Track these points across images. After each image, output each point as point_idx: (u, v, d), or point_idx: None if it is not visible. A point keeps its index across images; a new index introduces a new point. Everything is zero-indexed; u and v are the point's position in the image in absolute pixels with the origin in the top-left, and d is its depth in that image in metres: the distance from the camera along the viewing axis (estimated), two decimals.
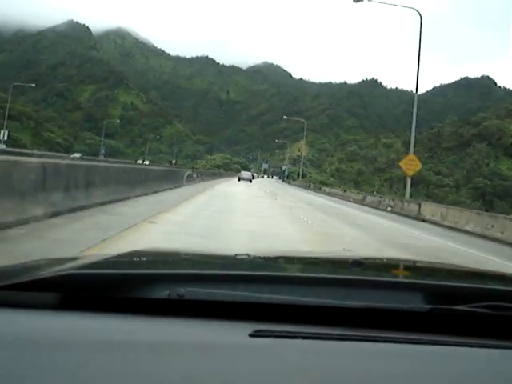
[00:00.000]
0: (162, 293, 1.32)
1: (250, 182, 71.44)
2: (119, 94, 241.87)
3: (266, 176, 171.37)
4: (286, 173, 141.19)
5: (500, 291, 1.63)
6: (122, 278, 1.42)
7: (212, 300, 1.34)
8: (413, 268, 2.55)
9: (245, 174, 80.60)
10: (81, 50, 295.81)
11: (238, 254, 2.07)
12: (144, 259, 2.06)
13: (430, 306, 1.37)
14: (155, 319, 1.29)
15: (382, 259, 3.24)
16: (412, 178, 36.02)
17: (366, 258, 2.70)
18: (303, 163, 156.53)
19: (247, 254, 2.04)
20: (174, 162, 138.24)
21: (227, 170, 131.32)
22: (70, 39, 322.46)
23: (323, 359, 1.18)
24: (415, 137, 38.50)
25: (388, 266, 2.59)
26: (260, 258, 2.17)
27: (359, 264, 2.21)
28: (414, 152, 37.87)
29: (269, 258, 2.35)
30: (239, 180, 72.65)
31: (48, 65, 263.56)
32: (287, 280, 1.56)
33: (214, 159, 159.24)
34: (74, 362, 1.06)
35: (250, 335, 1.22)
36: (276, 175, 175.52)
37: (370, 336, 1.28)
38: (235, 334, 1.25)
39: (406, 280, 1.81)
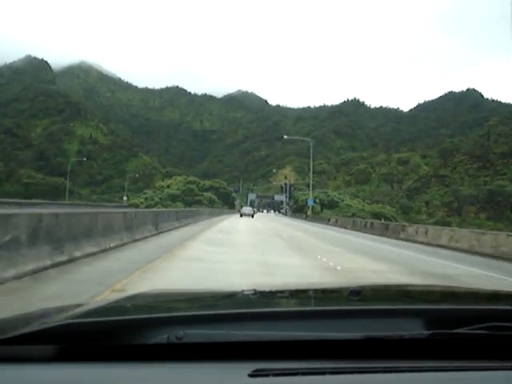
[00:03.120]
0: (161, 337, 1.29)
1: (252, 217, 67.32)
2: (76, 126, 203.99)
3: (264, 210, 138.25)
4: (285, 205, 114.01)
5: (499, 311, 1.59)
6: (120, 324, 1.39)
7: (211, 341, 1.31)
8: (410, 293, 2.49)
9: (246, 209, 76.57)
10: (37, 85, 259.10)
11: (240, 291, 2.04)
12: (143, 303, 2.01)
13: (429, 332, 1.33)
14: (155, 365, 1.26)
15: (380, 286, 3.06)
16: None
17: (364, 286, 2.57)
18: (297, 190, 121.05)
19: (248, 290, 1.99)
20: (125, 198, 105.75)
21: (194, 203, 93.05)
22: (26, 75, 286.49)
23: None
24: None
25: (386, 292, 2.51)
26: (258, 293, 2.07)
27: (357, 293, 2.12)
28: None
29: (267, 293, 2.29)
30: (241, 216, 67.75)
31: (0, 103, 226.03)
32: (284, 316, 1.50)
33: (168, 186, 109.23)
34: None
35: (250, 375, 1.18)
36: (267, 208, 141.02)
37: (371, 367, 1.24)
38: (235, 374, 1.21)
39: (404, 306, 1.74)
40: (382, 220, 51.18)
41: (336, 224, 48.77)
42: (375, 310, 1.57)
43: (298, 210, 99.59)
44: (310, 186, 74.48)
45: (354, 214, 67.31)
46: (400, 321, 1.44)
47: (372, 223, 39.63)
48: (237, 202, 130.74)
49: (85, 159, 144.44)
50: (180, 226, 25.92)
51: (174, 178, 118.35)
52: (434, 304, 1.91)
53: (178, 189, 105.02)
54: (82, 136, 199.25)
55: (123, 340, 1.32)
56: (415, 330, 1.36)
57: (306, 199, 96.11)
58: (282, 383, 1.20)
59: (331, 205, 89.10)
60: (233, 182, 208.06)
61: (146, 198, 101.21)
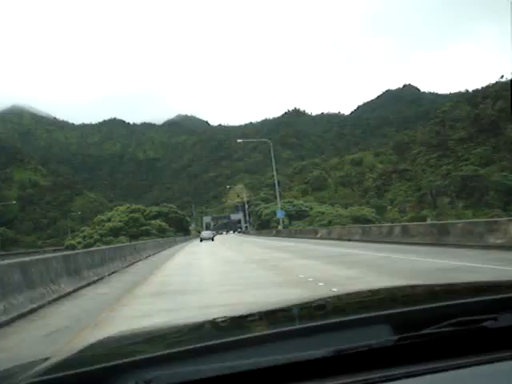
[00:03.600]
0: (129, 383, 1.25)
1: (212, 240, 65.55)
2: (13, 172, 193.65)
3: (223, 232, 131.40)
4: (244, 223, 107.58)
5: (462, 305, 1.59)
6: (84, 377, 1.34)
7: (181, 381, 1.27)
8: (376, 299, 2.42)
9: (206, 233, 73.49)
10: None
11: (209, 320, 2.05)
12: (108, 349, 1.94)
13: (396, 337, 1.32)
14: None
15: (344, 296, 2.85)
16: None
17: (328, 299, 2.54)
18: (254, 205, 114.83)
19: (219, 318, 1.98)
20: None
21: (140, 234, 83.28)
22: None
23: None
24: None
25: (351, 302, 2.42)
26: (229, 320, 2.05)
27: (322, 307, 2.10)
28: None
29: (238, 318, 2.25)
30: (201, 241, 65.43)
31: None
32: (249, 342, 1.45)
33: (109, 219, 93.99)
34: None
35: None
36: (225, 228, 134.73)
37: (344, 383, 1.23)
38: None
39: (369, 314, 1.69)
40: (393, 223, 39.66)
41: (329, 236, 37.44)
42: (341, 323, 1.53)
43: (263, 226, 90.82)
44: (277, 195, 63.49)
45: (330, 222, 60.50)
46: (367, 329, 1.42)
47: (394, 228, 26.84)
48: (192, 227, 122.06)
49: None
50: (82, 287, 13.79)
51: (115, 208, 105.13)
52: (398, 307, 1.84)
53: (120, 221, 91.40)
54: (21, 181, 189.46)
55: None
56: (383, 337, 1.35)
57: (274, 212, 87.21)
58: None
59: (300, 215, 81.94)
60: (185, 207, 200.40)
61: (85, 237, 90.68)
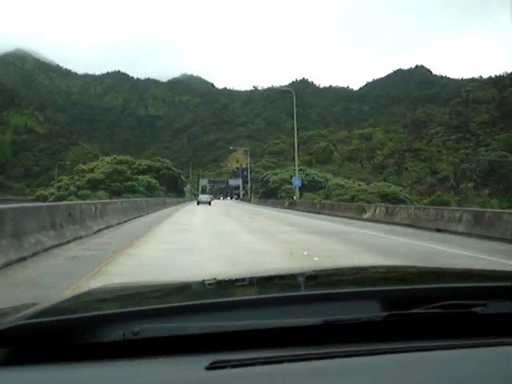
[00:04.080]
0: (117, 333, 1.26)
1: (209, 204, 64.25)
2: (9, 115, 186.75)
3: (220, 197, 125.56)
4: (243, 189, 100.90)
5: (454, 289, 1.62)
6: (73, 323, 1.34)
7: (168, 335, 1.29)
8: (368, 275, 2.48)
9: (203, 197, 73.70)
10: None
11: (196, 282, 2.06)
12: (97, 299, 1.97)
13: (386, 313, 1.33)
14: (111, 363, 1.23)
15: (337, 269, 2.97)
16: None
17: (321, 271, 2.58)
18: (255, 172, 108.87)
19: (208, 280, 1.98)
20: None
21: (125, 191, 73.38)
22: None
23: (283, 383, 1.15)
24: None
25: (343, 276, 2.48)
26: (217, 283, 2.06)
27: (314, 278, 2.14)
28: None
29: (227, 281, 2.29)
30: (198, 204, 64.91)
31: None
32: (240, 304, 1.48)
33: (92, 170, 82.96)
34: None
35: (207, 368, 1.18)
36: (221, 194, 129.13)
37: (330, 352, 1.24)
38: (192, 368, 1.20)
39: (360, 289, 1.76)
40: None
41: (390, 220, 24.70)
42: (332, 294, 1.56)
43: (269, 195, 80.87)
44: (296, 159, 52.63)
45: (354, 198, 53.78)
46: (357, 304, 1.44)
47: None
48: (187, 188, 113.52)
49: None
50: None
51: (100, 158, 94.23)
52: (391, 285, 1.90)
53: (102, 172, 79.35)
54: (16, 125, 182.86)
55: (78, 339, 1.27)
56: (372, 312, 1.37)
57: (284, 179, 79.48)
58: (239, 374, 1.18)
59: (312, 186, 73.46)
60: (182, 168, 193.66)
61: (60, 187, 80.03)
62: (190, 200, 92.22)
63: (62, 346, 1.27)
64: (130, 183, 77.25)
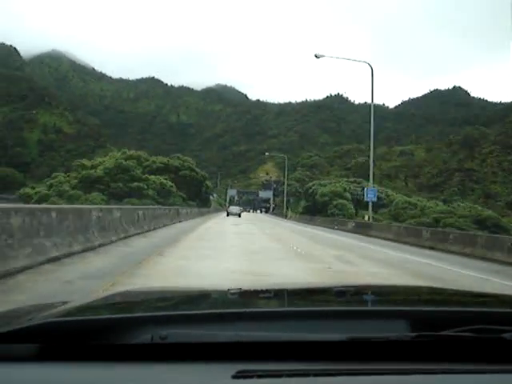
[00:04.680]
0: (145, 336, 1.26)
1: (239, 216, 62.32)
2: (39, 114, 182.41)
3: (250, 210, 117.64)
4: (274, 203, 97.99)
5: (484, 314, 1.58)
6: (103, 323, 1.36)
7: (195, 342, 1.28)
8: (396, 294, 2.47)
9: (233, 208, 70.54)
10: (4, 73, 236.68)
11: (225, 291, 2.03)
12: (127, 302, 1.98)
13: (414, 334, 1.31)
14: (138, 365, 1.23)
15: (365, 286, 3.04)
16: None
17: (351, 287, 2.61)
18: (289, 185, 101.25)
19: (234, 289, 1.96)
20: None
21: (128, 194, 57.83)
22: None
23: None
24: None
25: (371, 293, 2.46)
26: (245, 293, 2.06)
27: (343, 294, 2.12)
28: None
29: (253, 292, 2.29)
30: (228, 215, 63.84)
31: None
32: (269, 316, 1.47)
33: (97, 166, 66.68)
34: None
35: (233, 376, 1.16)
36: (250, 206, 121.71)
37: (357, 369, 1.22)
38: (218, 376, 1.18)
39: (390, 308, 1.73)
40: None
41: None
42: (361, 312, 1.54)
43: (314, 211, 66.50)
44: (371, 169, 37.17)
45: (437, 221, 43.61)
46: (385, 322, 1.42)
47: None
48: (213, 197, 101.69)
49: None
50: None
51: (110, 154, 77.18)
52: (420, 306, 1.89)
53: (103, 169, 63.16)
54: (45, 124, 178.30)
55: (106, 339, 1.28)
56: (400, 331, 1.35)
57: (341, 192, 64.98)
58: None
59: (367, 203, 61.34)
60: (210, 178, 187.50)
61: (51, 185, 64.94)
62: (216, 211, 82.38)
63: (90, 346, 1.28)
64: (136, 184, 60.47)
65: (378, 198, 60.42)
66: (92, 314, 1.58)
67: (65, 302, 1.74)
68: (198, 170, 79.67)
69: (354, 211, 58.18)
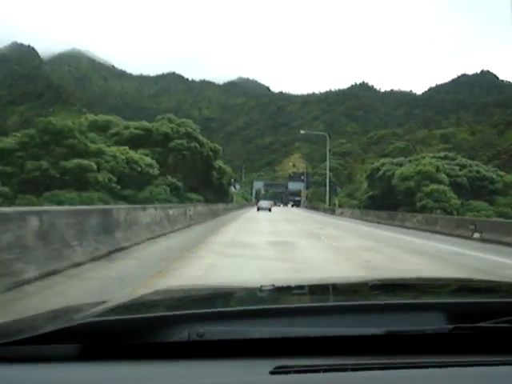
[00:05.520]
0: (182, 334, 1.28)
1: (270, 210, 58.56)
2: (55, 112, 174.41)
3: (280, 204, 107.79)
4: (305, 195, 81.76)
5: None
6: (140, 322, 1.38)
7: (232, 338, 1.29)
8: (431, 287, 2.45)
9: (263, 203, 66.14)
10: (21, 72, 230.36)
11: (260, 287, 2.02)
12: (163, 300, 2.01)
13: (451, 326, 1.30)
14: (177, 363, 1.25)
15: (400, 279, 3.06)
16: None
17: (385, 280, 2.60)
18: (321, 175, 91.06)
19: (266, 286, 1.95)
20: None
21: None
22: (12, 62, 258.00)
23: None
24: None
25: (406, 286, 2.46)
26: (280, 289, 2.06)
27: (377, 287, 2.12)
28: None
29: (286, 288, 2.28)
30: (258, 210, 59.44)
31: None
32: (304, 311, 1.47)
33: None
34: None
35: (271, 372, 1.16)
36: (279, 200, 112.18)
37: (393, 363, 1.22)
38: (256, 372, 1.19)
39: (426, 300, 1.73)
40: None
41: None
42: (397, 305, 1.54)
43: (388, 204, 46.44)
44: None
45: None
46: (422, 315, 1.42)
47: None
48: (235, 190, 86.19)
49: None
50: None
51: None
52: (456, 298, 1.88)
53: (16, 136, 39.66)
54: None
55: (145, 338, 1.30)
56: (437, 324, 1.34)
57: (434, 173, 45.79)
58: (303, 380, 1.17)
59: (475, 190, 45.85)
60: (235, 171, 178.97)
61: None
62: (241, 207, 68.69)
63: (129, 345, 1.29)
64: (76, 163, 35.75)
65: (486, 178, 44.82)
66: (130, 313, 1.60)
67: (103, 302, 1.77)
68: (203, 139, 53.45)
69: (460, 203, 41.23)
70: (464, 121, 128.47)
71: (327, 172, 73.50)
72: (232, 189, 76.72)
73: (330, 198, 71.33)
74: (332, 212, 58.58)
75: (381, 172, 55.99)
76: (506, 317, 1.31)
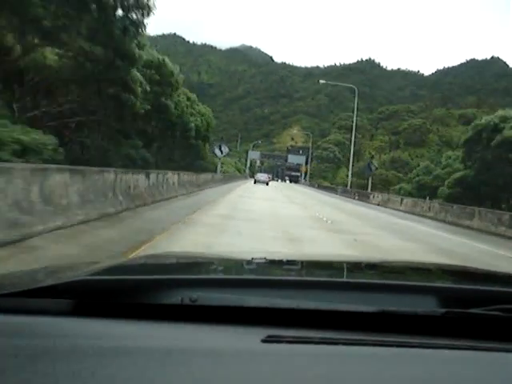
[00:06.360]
0: (175, 298, 1.29)
1: (267, 184, 56.42)
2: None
3: (278, 179, 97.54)
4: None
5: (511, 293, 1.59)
6: (134, 283, 1.40)
7: (225, 305, 1.31)
8: (427, 271, 2.46)
9: (261, 176, 64.89)
10: None
11: (254, 258, 2.05)
12: (157, 264, 2.02)
13: (444, 310, 1.33)
14: (168, 325, 1.26)
15: (396, 262, 3.06)
16: None
17: (381, 261, 2.67)
18: (326, 149, 79.54)
19: (263, 258, 1.99)
20: None
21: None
22: None
23: (336, 364, 1.14)
24: None
25: (402, 268, 2.47)
26: (275, 261, 2.10)
27: (373, 267, 2.13)
28: None
29: (283, 261, 2.30)
30: (255, 183, 56.84)
31: None
32: (300, 284, 1.51)
33: None
34: (87, 368, 1.02)
35: (263, 340, 1.18)
36: (276, 174, 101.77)
37: (384, 340, 1.23)
38: (248, 339, 1.20)
39: (420, 283, 1.73)
40: None
41: None
42: (390, 285, 1.56)
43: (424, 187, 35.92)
44: None
45: None
46: (415, 297, 1.44)
47: None
48: (222, 155, 52.77)
49: None
50: None
51: None
52: (450, 283, 1.90)
53: None
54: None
55: (137, 299, 1.31)
56: (431, 307, 1.37)
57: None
58: (294, 350, 1.18)
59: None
60: (231, 141, 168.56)
61: None
62: (230, 180, 54.84)
63: (121, 304, 1.31)
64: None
65: None
66: (124, 273, 1.60)
67: (94, 263, 1.77)
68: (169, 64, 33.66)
69: None
70: (485, 102, 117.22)
71: (352, 138, 56.27)
72: (217, 151, 52.65)
73: (352, 175, 53.93)
74: (360, 197, 43.75)
75: (491, 127, 34.78)
76: (498, 305, 1.33)
